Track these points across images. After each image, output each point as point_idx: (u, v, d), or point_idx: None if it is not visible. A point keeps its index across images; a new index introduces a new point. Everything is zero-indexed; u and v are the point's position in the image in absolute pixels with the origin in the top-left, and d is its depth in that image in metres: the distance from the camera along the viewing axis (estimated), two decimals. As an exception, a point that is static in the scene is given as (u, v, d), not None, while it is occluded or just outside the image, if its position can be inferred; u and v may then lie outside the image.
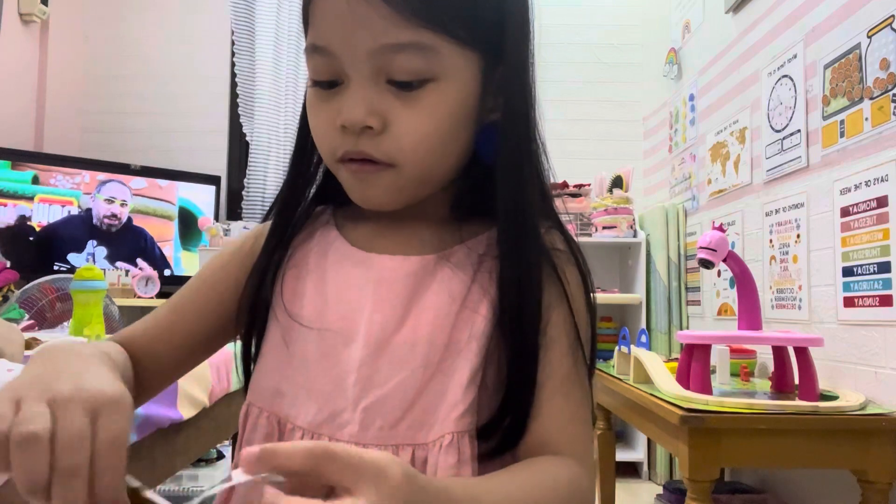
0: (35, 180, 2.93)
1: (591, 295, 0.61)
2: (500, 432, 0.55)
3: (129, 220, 3.12)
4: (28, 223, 2.90)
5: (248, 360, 0.63)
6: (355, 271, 0.59)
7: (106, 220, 3.08)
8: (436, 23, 0.52)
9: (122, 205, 3.11)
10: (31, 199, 2.92)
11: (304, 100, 0.61)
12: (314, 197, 0.67)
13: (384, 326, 0.56)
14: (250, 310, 0.62)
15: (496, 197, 0.58)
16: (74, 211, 3.02)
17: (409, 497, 0.38)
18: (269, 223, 0.65)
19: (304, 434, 0.55)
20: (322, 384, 0.56)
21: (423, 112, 0.54)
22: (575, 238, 0.63)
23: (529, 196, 0.59)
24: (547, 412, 0.55)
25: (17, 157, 2.90)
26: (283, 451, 0.37)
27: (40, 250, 2.92)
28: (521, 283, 0.57)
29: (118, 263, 3.06)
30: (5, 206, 2.86)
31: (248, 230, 0.68)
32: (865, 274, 1.60)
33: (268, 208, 0.66)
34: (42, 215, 2.94)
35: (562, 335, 0.57)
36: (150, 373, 0.61)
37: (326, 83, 0.56)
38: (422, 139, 0.54)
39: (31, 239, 2.91)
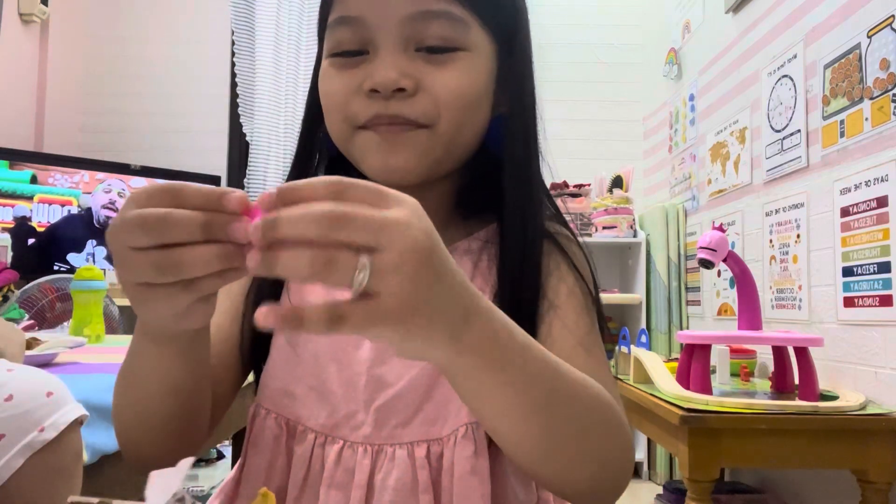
0: (33, 180, 2.92)
1: (594, 274, 0.62)
2: None
3: (131, 219, 3.12)
4: (28, 223, 2.90)
5: (259, 365, 0.62)
6: None
7: (104, 212, 3.06)
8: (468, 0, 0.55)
9: (119, 194, 3.09)
10: (30, 198, 2.92)
11: (308, 90, 0.61)
12: None
13: None
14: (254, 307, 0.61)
15: (503, 188, 0.58)
16: (74, 210, 3.02)
17: (431, 257, 0.35)
18: None
19: (317, 436, 0.55)
20: (334, 386, 0.56)
21: (454, 72, 0.55)
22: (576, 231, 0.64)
23: (535, 189, 0.60)
24: (573, 365, 0.55)
25: (15, 157, 2.90)
26: (304, 184, 0.34)
27: (41, 250, 2.92)
28: (521, 265, 0.57)
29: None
30: (4, 206, 2.86)
31: None
32: (865, 274, 1.60)
33: None
34: (42, 215, 2.94)
35: (573, 299, 0.58)
36: (214, 416, 0.59)
37: (349, 54, 0.56)
38: (457, 95, 0.55)
39: (31, 239, 2.91)
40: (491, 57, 0.58)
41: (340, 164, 0.62)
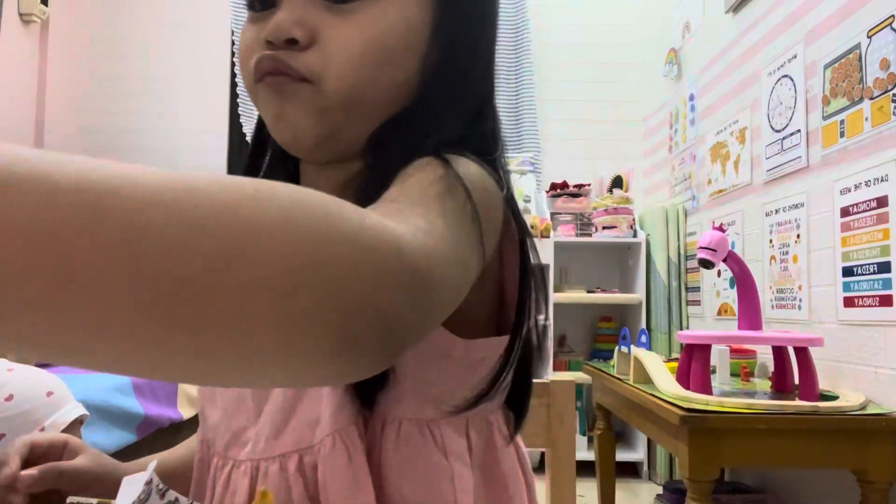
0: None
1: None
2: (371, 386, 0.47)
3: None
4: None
5: None
6: None
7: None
8: None
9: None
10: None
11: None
12: None
13: None
14: None
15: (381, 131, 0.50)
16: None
17: None
18: None
19: (219, 459, 0.52)
20: (229, 401, 0.53)
21: (356, 25, 0.48)
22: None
23: (419, 140, 0.47)
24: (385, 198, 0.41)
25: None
26: None
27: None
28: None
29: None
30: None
31: None
32: (865, 274, 1.60)
33: None
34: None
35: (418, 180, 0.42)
36: None
37: (262, 5, 0.51)
38: (350, 54, 0.48)
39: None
40: (421, 4, 0.50)
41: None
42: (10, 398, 0.67)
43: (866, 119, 1.62)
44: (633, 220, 2.96)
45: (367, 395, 0.47)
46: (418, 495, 0.48)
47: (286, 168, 0.58)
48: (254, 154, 0.59)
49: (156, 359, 0.23)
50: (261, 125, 0.57)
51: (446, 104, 0.51)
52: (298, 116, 0.49)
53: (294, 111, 0.49)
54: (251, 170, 0.60)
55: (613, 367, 2.12)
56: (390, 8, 0.48)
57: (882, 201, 1.55)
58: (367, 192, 0.42)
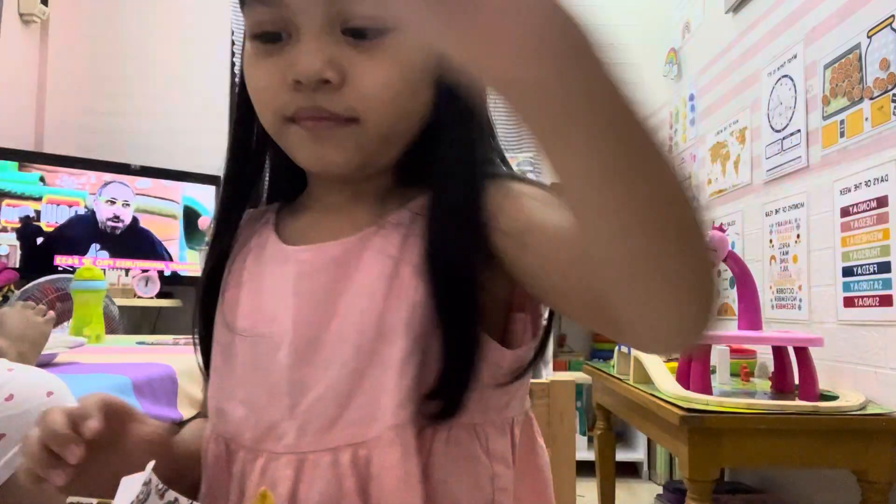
0: (42, 181, 2.94)
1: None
2: (440, 400, 0.50)
3: (135, 220, 3.13)
4: (34, 223, 2.91)
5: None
6: (280, 270, 0.55)
7: (110, 223, 3.08)
8: None
9: (124, 205, 3.11)
10: (38, 199, 2.93)
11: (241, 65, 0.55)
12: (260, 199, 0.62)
13: (310, 324, 0.52)
14: (201, 335, 0.59)
15: (441, 151, 0.53)
16: (82, 211, 3.03)
17: None
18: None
19: (247, 453, 0.52)
20: (258, 395, 0.53)
21: (384, 61, 0.49)
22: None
23: (476, 154, 0.53)
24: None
25: (24, 158, 2.91)
26: None
27: (47, 252, 2.93)
28: (453, 240, 0.50)
29: (119, 261, 3.06)
30: (16, 206, 2.87)
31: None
32: (865, 274, 1.60)
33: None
34: (51, 216, 2.96)
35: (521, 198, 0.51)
36: None
37: (269, 36, 0.51)
38: (385, 89, 0.50)
39: (39, 238, 2.92)
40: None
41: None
42: (10, 398, 0.67)
43: (866, 119, 1.62)
44: (633, 220, 2.96)
45: (455, 400, 0.50)
46: (461, 493, 0.51)
47: (290, 173, 0.60)
48: (248, 158, 0.60)
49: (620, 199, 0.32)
50: (256, 134, 0.58)
51: (465, 117, 0.53)
52: (338, 154, 0.52)
53: (334, 150, 0.51)
54: (248, 172, 0.60)
55: (613, 366, 2.12)
56: (409, 38, 0.49)
57: (882, 201, 1.55)
58: (385, 201, 0.53)
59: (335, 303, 0.51)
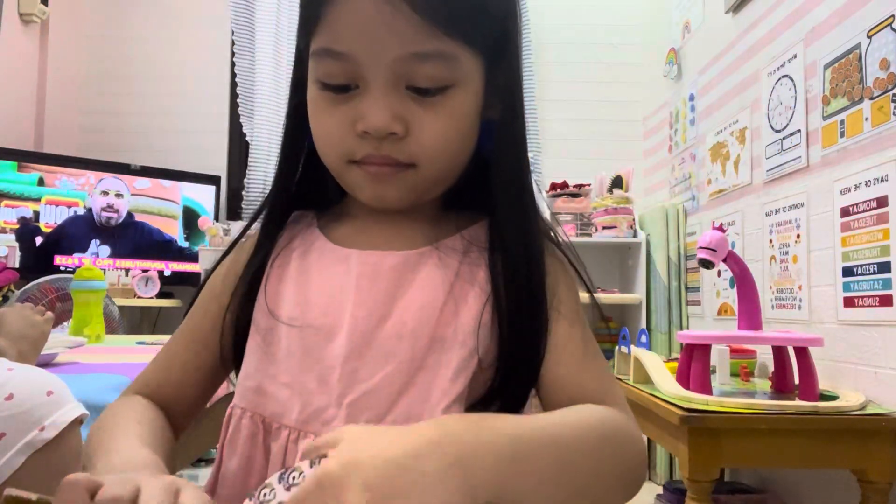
0: (41, 182, 2.94)
1: (587, 276, 0.64)
2: (496, 408, 0.56)
3: (130, 215, 3.12)
4: (32, 224, 2.91)
5: (239, 367, 0.63)
6: (337, 268, 0.60)
7: (105, 214, 3.07)
8: (459, 33, 0.54)
9: (117, 196, 3.10)
10: (37, 200, 2.93)
11: (290, 103, 0.64)
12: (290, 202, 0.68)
13: (368, 321, 0.56)
14: (237, 318, 0.62)
15: (495, 187, 0.60)
16: (81, 212, 3.03)
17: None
18: (250, 238, 0.66)
19: (291, 432, 0.55)
20: (305, 381, 0.56)
21: (443, 116, 0.56)
22: (566, 237, 0.66)
23: (529, 186, 0.61)
24: (582, 369, 0.57)
25: (23, 158, 2.91)
26: None
27: (47, 252, 2.93)
28: (526, 267, 0.58)
29: (118, 261, 3.06)
30: (15, 207, 2.87)
31: (231, 252, 0.68)
32: (865, 274, 1.60)
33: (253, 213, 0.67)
34: (50, 217, 2.96)
35: (572, 306, 0.60)
36: (181, 414, 0.64)
37: (338, 87, 0.56)
38: (443, 142, 0.56)
39: (39, 238, 2.92)
40: (480, 74, 0.58)
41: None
42: (10, 398, 0.67)
43: (866, 119, 1.62)
44: (633, 220, 2.96)
45: (521, 398, 0.58)
46: None
47: (321, 185, 0.66)
48: (287, 162, 0.66)
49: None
50: (295, 136, 0.64)
51: (514, 151, 0.61)
52: (396, 193, 0.59)
53: (395, 190, 0.58)
54: (290, 179, 0.66)
55: (613, 367, 2.12)
56: (462, 96, 0.56)
57: (882, 201, 1.55)
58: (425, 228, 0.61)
59: (392, 305, 0.57)
